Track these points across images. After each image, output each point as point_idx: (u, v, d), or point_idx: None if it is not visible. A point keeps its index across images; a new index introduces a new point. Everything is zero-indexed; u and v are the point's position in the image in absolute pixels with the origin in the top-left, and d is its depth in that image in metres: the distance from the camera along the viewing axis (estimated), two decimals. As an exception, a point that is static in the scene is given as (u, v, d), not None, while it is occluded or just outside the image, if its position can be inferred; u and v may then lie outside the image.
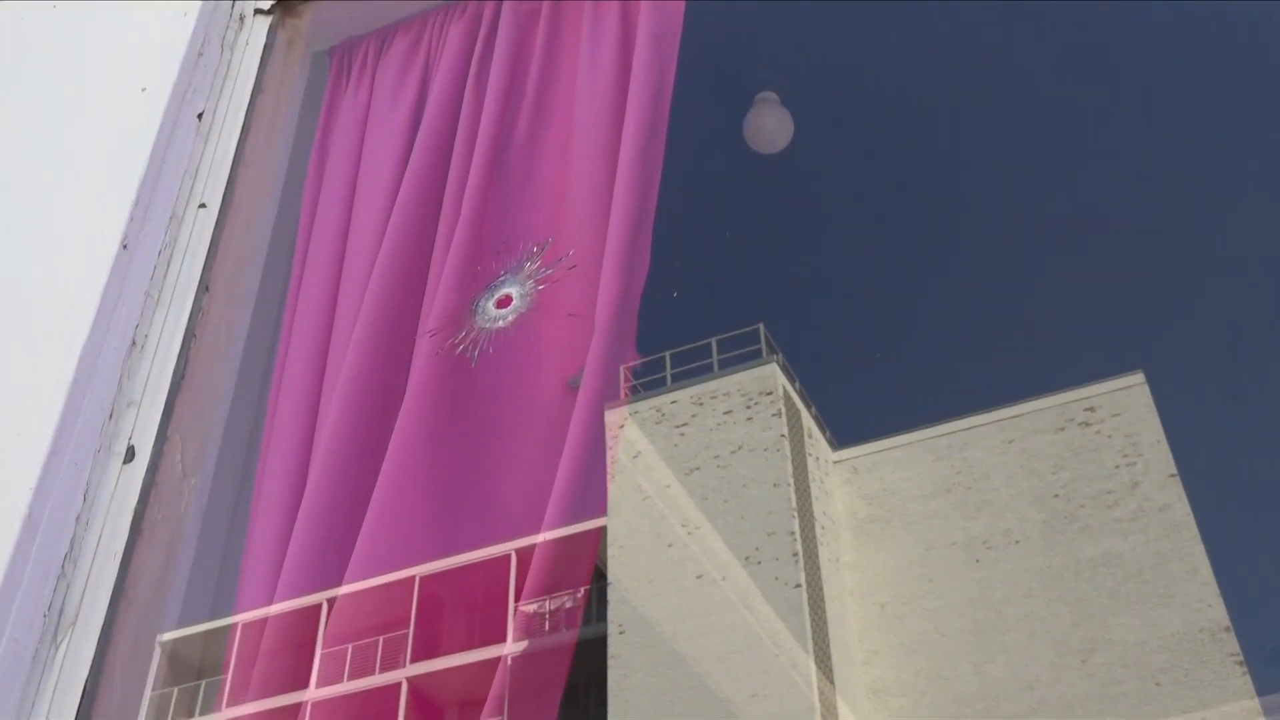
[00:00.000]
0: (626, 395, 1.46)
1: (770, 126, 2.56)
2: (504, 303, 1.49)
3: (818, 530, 5.76)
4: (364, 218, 1.74)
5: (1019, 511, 5.97)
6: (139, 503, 1.48)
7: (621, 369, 1.45)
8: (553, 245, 1.51)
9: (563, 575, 1.35)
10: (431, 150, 1.71)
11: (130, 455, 1.51)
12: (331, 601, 1.40)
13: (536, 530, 1.32)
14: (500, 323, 1.47)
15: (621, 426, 1.46)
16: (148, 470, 1.51)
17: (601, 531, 1.40)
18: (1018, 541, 5.84)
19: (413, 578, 1.41)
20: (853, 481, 5.99)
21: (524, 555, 1.39)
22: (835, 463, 6.01)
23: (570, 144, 1.63)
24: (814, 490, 5.81)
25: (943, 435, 5.93)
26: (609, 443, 1.41)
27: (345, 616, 1.32)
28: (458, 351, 1.47)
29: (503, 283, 1.51)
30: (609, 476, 1.39)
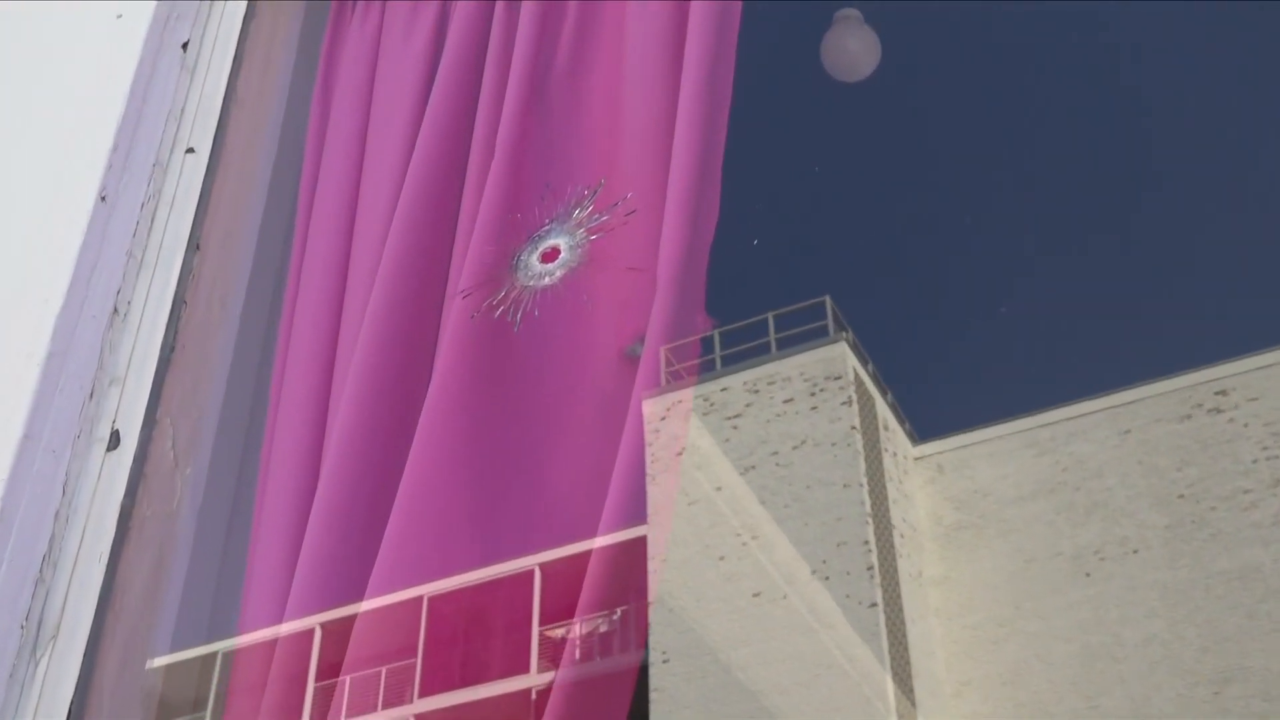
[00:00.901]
0: (668, 379, 1.45)
1: (852, 49, 2.55)
2: (550, 256, 1.50)
3: (896, 539, 5.75)
4: (379, 161, 1.75)
5: (1137, 516, 5.93)
6: (126, 497, 1.52)
7: (662, 351, 1.44)
8: (606, 188, 1.51)
9: (617, 590, 1.34)
10: (456, 81, 1.72)
11: (115, 441, 1.54)
12: (326, 624, 1.41)
13: (594, 532, 1.32)
14: (547, 279, 1.48)
15: (663, 418, 1.47)
16: (135, 459, 1.54)
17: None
18: (1136, 551, 5.81)
19: (420, 598, 1.41)
20: (937, 481, 5.97)
21: (550, 570, 1.40)
22: (916, 460, 5.98)
23: (622, 69, 1.63)
24: (891, 492, 5.80)
25: (1044, 426, 5.90)
26: (648, 438, 1.39)
27: (375, 634, 1.33)
28: (496, 314, 1.47)
29: (548, 233, 1.51)
30: (648, 478, 1.37)
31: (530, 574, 1.42)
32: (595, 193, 1.52)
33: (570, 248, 1.49)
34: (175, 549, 1.56)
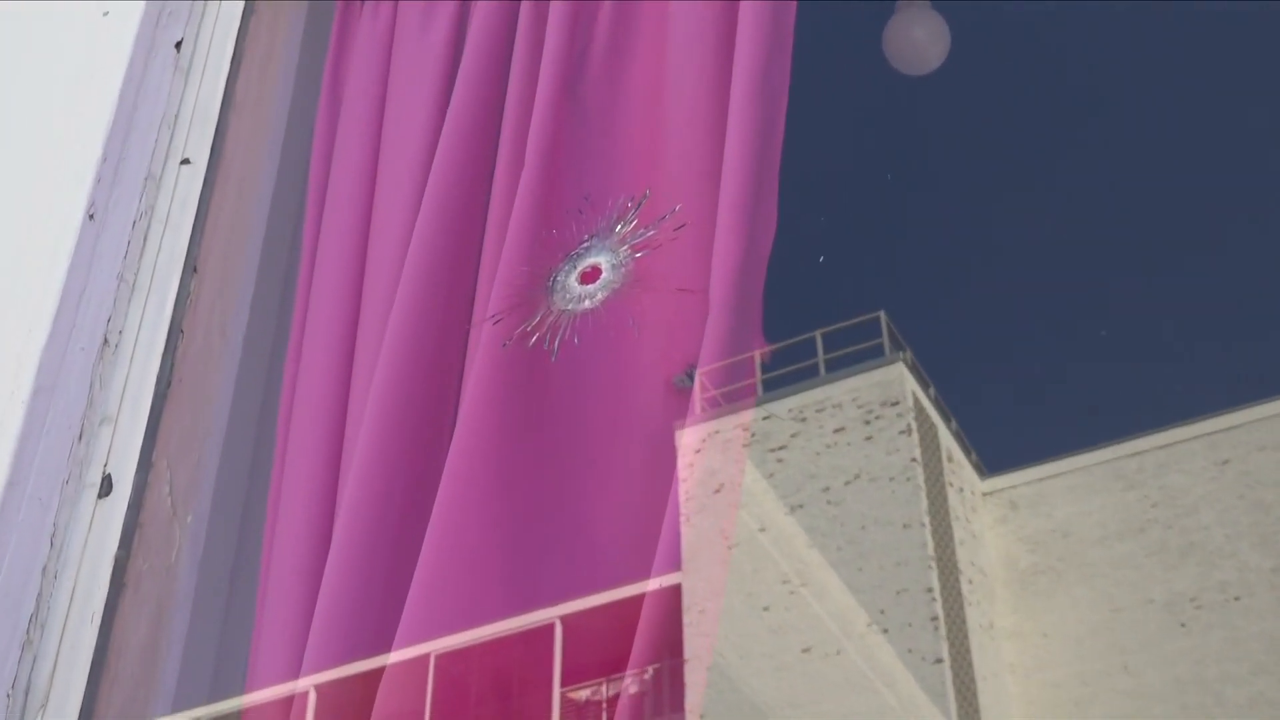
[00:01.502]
0: (705, 407, 1.45)
1: (918, 39, 2.56)
2: (591, 276, 1.50)
3: (964, 586, 5.73)
4: (395, 173, 1.77)
5: (1239, 557, 5.89)
6: (120, 549, 1.54)
7: (698, 375, 1.44)
8: (651, 199, 1.53)
9: (648, 646, 1.34)
10: (480, 83, 1.74)
11: (107, 487, 1.57)
12: (320, 686, 1.42)
13: (642, 570, 1.33)
14: (587, 302, 1.49)
15: (698, 451, 1.45)
16: (129, 506, 1.57)
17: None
18: (1238, 598, 5.77)
19: (427, 656, 1.41)
20: (1010, 520, 5.95)
21: (573, 624, 1.40)
22: (985, 495, 5.96)
23: (664, 67, 1.65)
24: (957, 532, 5.78)
25: (1132, 455, 5.87)
26: (681, 473, 1.40)
27: (402, 694, 1.34)
28: (531, 342, 1.48)
29: (588, 250, 1.52)
30: (682, 519, 1.37)
31: (550, 628, 1.41)
32: (639, 205, 1.53)
33: (613, 267, 1.50)
34: (174, 605, 1.58)
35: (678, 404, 1.46)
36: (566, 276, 1.51)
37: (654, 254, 1.49)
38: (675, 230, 1.49)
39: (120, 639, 1.51)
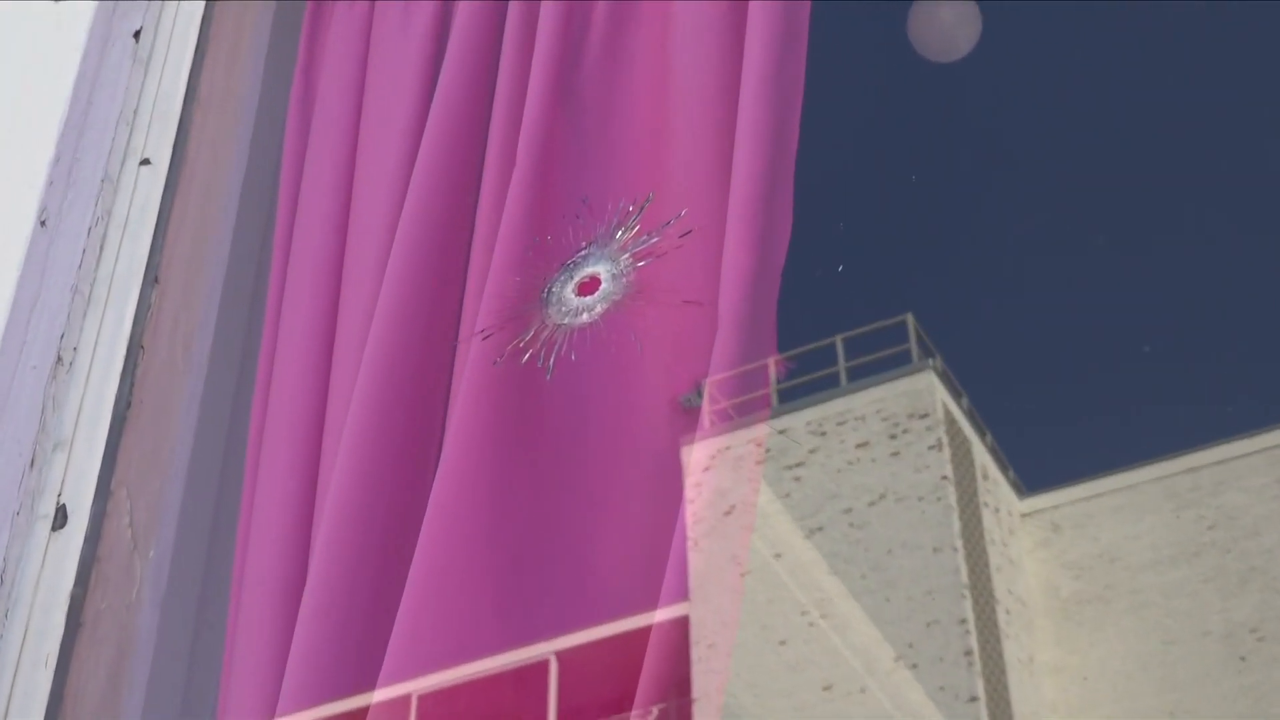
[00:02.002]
0: (714, 419, 1.46)
1: (946, 20, 2.56)
2: (589, 287, 1.51)
3: (1000, 616, 5.74)
4: (374, 174, 1.78)
5: (1305, 584, 5.89)
6: (76, 586, 1.55)
7: (705, 384, 1.44)
8: (655, 203, 1.54)
9: (652, 684, 1.32)
10: (466, 77, 1.75)
11: (61, 519, 1.58)
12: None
13: (649, 607, 1.34)
14: (585, 316, 1.50)
15: (706, 469, 1.45)
16: (86, 539, 1.58)
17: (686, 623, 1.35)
18: (1304, 629, 5.77)
19: (409, 697, 1.40)
20: (1051, 543, 5.95)
21: (569, 660, 1.40)
22: (1024, 516, 5.97)
23: (668, 58, 1.66)
24: (993, 558, 5.79)
25: (1185, 472, 5.87)
26: (688, 494, 1.40)
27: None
28: (524, 359, 1.49)
29: (586, 259, 1.53)
30: (690, 543, 1.37)
31: (545, 665, 1.41)
32: (642, 209, 1.54)
33: (613, 277, 1.51)
34: (136, 647, 1.59)
35: (685, 425, 1.46)
36: (562, 288, 1.52)
37: (657, 262, 1.50)
38: (681, 237, 1.50)
39: (77, 684, 1.52)
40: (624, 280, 1.50)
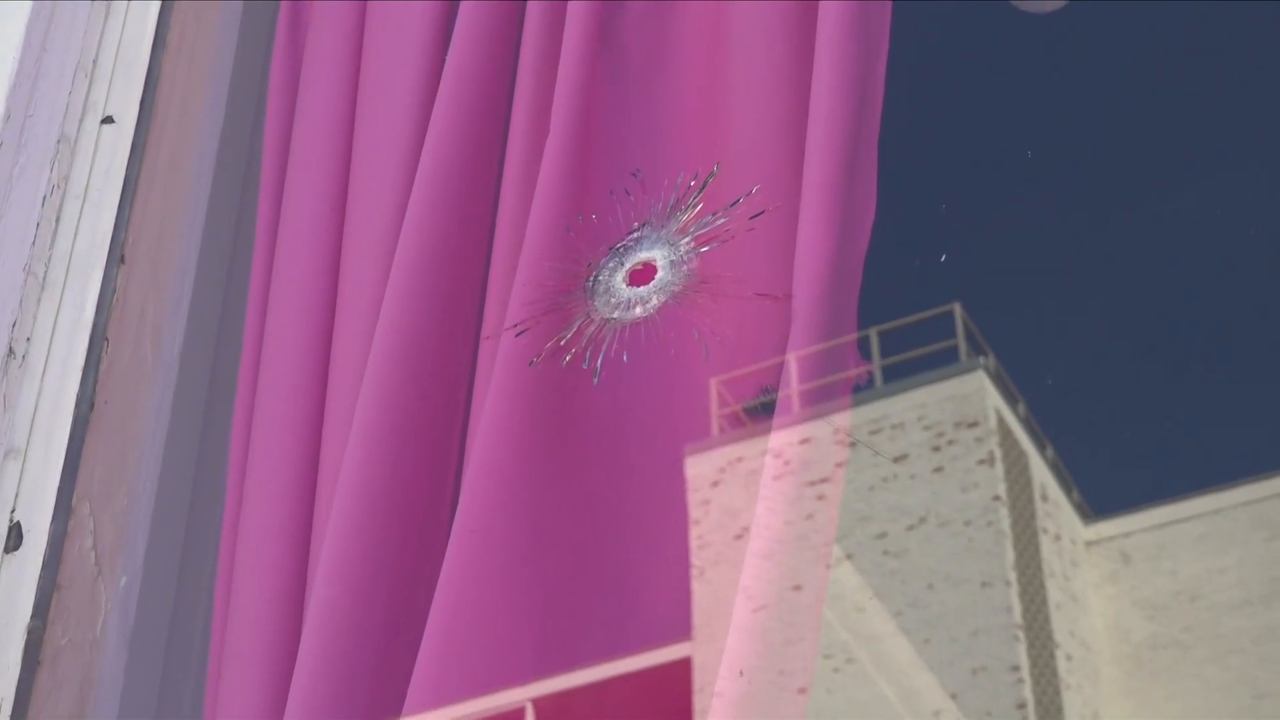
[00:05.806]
0: (724, 425, 1.45)
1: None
2: (643, 276, 1.49)
3: (1060, 663, 5.72)
4: (378, 135, 1.76)
5: None
6: (34, 618, 1.53)
7: (714, 384, 1.44)
8: (719, 179, 1.51)
9: None
10: (489, 25, 1.73)
11: (15, 539, 1.56)
12: None
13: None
14: (638, 309, 1.47)
15: (715, 484, 1.45)
16: (44, 563, 1.56)
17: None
18: None
19: None
20: (1122, 578, 5.92)
21: (547, 708, 1.38)
22: (1090, 544, 5.95)
23: (729, 10, 1.63)
24: (1053, 593, 5.77)
25: (1278, 496, 5.83)
26: (694, 513, 1.41)
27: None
28: (566, 360, 1.46)
29: (638, 243, 1.50)
30: (694, 571, 1.38)
31: (520, 714, 1.38)
32: (705, 185, 1.51)
33: (671, 265, 1.48)
34: (100, 687, 1.57)
35: (745, 434, 1.46)
36: (611, 275, 1.49)
37: (723, 248, 1.47)
38: (752, 219, 1.47)
39: (36, 732, 1.52)
40: (684, 269, 1.48)
